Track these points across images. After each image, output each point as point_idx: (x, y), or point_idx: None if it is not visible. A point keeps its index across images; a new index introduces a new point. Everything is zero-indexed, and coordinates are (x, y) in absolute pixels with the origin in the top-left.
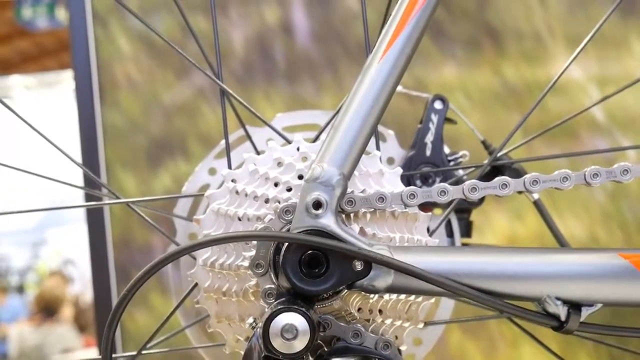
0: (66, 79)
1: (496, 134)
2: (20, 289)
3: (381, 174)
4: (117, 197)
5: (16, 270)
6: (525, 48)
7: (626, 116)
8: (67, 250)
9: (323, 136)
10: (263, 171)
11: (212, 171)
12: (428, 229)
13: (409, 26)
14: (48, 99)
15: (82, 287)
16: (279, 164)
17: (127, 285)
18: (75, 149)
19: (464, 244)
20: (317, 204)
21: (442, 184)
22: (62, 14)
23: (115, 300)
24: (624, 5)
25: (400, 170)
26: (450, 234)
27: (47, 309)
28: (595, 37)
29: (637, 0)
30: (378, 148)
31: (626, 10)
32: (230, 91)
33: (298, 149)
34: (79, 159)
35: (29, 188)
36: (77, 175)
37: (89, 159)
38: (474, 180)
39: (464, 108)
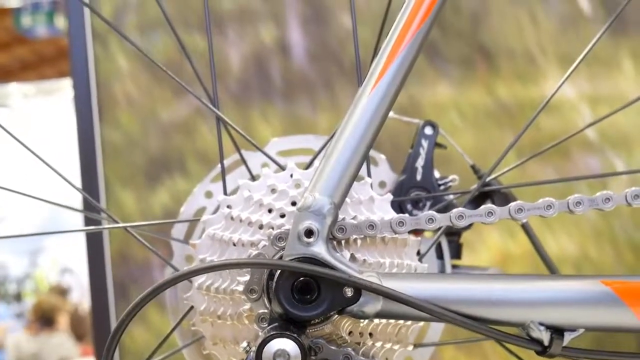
0: (65, 86)
1: (490, 152)
2: (18, 297)
3: (372, 201)
4: (116, 221)
5: (14, 278)
6: (518, 67)
7: (618, 135)
8: (65, 258)
9: (316, 163)
10: (257, 198)
11: (209, 194)
12: (419, 252)
13: (399, 58)
14: (47, 107)
15: (79, 296)
16: (273, 190)
17: (125, 302)
18: (74, 159)
19: (454, 266)
20: (309, 232)
21: (430, 211)
22: (61, 22)
23: (113, 316)
24: (615, 25)
25: (390, 197)
26: (440, 255)
27: (44, 318)
28: (587, 56)
29: (627, 20)
30: (369, 175)
31: (617, 29)
32: (226, 118)
33: (291, 176)
34: (78, 177)
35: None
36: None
37: (88, 177)
38: (461, 209)
39: (458, 127)
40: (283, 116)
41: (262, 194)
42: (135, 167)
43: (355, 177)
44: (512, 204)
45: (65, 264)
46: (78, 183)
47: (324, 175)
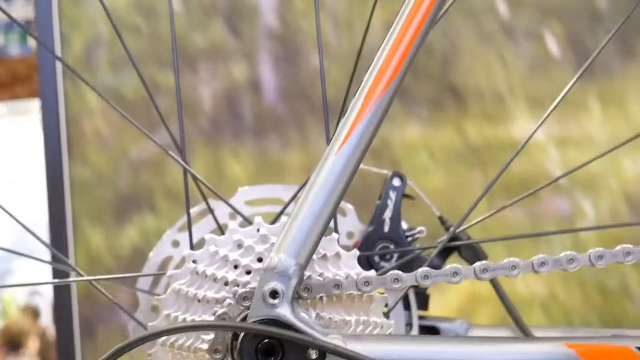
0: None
1: (459, 193)
2: None
3: (339, 257)
4: (81, 275)
5: None
6: (487, 108)
7: (587, 178)
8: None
9: (284, 218)
10: (223, 253)
11: (176, 244)
12: (387, 305)
13: (366, 120)
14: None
15: (48, 320)
16: (240, 246)
17: (91, 341)
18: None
19: (421, 317)
20: (274, 294)
21: (396, 271)
22: (34, 41)
23: (79, 356)
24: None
25: (357, 253)
26: (407, 307)
27: (12, 343)
28: (556, 98)
29: (596, 63)
30: (337, 230)
31: (585, 73)
32: (193, 171)
33: (258, 231)
34: (46, 213)
35: None
36: (43, 217)
37: (56, 213)
38: (426, 269)
39: (428, 167)
40: (254, 154)
41: (228, 250)
42: (104, 204)
43: (322, 236)
44: (478, 264)
45: (35, 287)
46: (46, 218)
47: (290, 236)
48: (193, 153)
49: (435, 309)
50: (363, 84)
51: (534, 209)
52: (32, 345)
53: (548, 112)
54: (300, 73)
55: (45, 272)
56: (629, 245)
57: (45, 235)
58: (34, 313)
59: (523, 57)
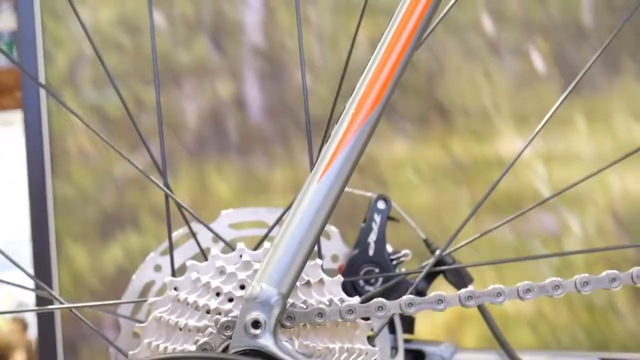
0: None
1: (445, 209)
2: None
3: (322, 283)
4: (61, 302)
5: None
6: (473, 124)
7: (573, 193)
8: (20, 292)
9: (266, 244)
10: (205, 280)
11: (158, 268)
12: (372, 329)
13: (349, 146)
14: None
15: (34, 332)
16: (221, 272)
17: None
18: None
19: (406, 340)
20: (256, 324)
21: (379, 299)
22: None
23: None
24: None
25: (341, 279)
26: (392, 330)
27: None
28: (542, 114)
29: (580, 81)
30: (320, 256)
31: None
32: (174, 196)
33: (241, 257)
34: (28, 231)
35: None
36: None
37: (39, 231)
38: (410, 296)
39: (414, 184)
40: (239, 171)
41: (210, 276)
42: (88, 222)
43: (305, 264)
44: (462, 291)
45: (21, 299)
46: (28, 235)
47: (272, 265)
48: (177, 170)
49: (423, 327)
50: (345, 109)
51: (520, 225)
52: (19, 358)
53: (536, 130)
54: (285, 90)
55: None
56: (614, 271)
57: (27, 252)
58: (22, 325)
59: (508, 73)
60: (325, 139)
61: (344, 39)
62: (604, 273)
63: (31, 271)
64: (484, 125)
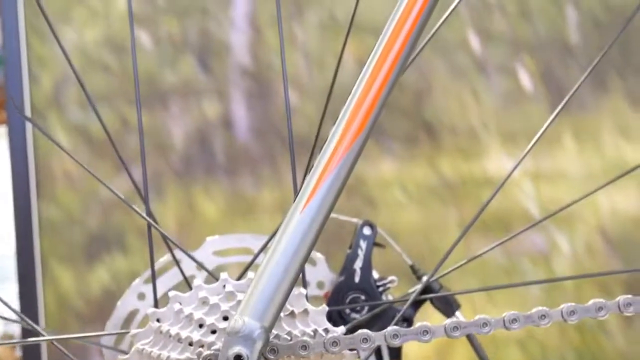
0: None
1: (433, 229)
2: None
3: (306, 313)
4: (42, 334)
5: None
6: (461, 143)
7: (562, 213)
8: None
9: (250, 274)
10: (188, 311)
11: (141, 296)
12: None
13: (332, 175)
14: None
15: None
16: (204, 303)
17: None
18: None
19: None
20: (238, 358)
21: (364, 330)
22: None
23: None
24: (557, 102)
25: (325, 309)
26: (380, 357)
27: None
28: (530, 133)
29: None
30: (304, 285)
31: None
32: (158, 226)
33: (224, 287)
34: (13, 252)
35: None
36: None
37: (24, 253)
38: (396, 328)
39: (402, 203)
40: (226, 192)
41: (193, 307)
42: (74, 244)
43: (288, 296)
44: (448, 321)
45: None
46: (13, 256)
47: (254, 298)
48: (164, 191)
49: (412, 349)
50: (329, 136)
51: (509, 244)
52: None
53: (525, 150)
54: (272, 110)
55: (14, 298)
56: (601, 300)
57: (12, 273)
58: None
59: (496, 92)
60: (310, 161)
61: (331, 58)
62: (590, 302)
63: (16, 291)
64: (472, 144)
